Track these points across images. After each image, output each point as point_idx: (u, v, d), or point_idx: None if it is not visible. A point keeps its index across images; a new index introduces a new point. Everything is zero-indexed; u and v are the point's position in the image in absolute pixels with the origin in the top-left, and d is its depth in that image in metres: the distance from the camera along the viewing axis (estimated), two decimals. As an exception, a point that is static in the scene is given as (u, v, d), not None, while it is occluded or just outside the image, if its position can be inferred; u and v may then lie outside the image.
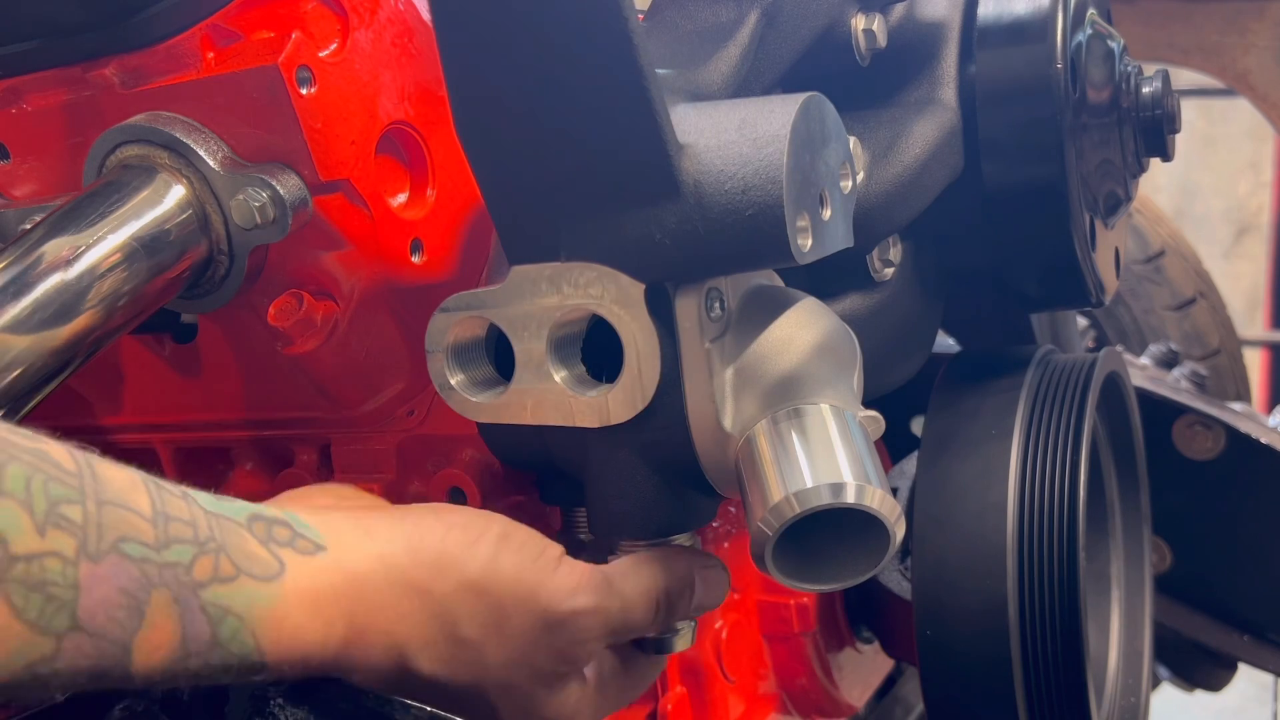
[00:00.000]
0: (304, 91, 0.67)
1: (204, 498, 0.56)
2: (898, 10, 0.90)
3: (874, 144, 0.83)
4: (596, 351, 0.67)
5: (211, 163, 0.68)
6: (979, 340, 1.08)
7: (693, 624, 0.75)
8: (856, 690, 1.15)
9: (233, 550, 0.55)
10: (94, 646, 0.50)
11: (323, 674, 0.60)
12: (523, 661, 0.65)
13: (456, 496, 0.78)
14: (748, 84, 0.75)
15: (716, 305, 0.66)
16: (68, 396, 0.85)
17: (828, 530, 0.62)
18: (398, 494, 0.79)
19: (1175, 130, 0.96)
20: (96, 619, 0.50)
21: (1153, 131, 0.95)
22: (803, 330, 0.67)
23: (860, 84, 0.87)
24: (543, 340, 0.65)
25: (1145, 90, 0.95)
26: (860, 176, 0.80)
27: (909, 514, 0.88)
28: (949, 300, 0.98)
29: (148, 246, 0.67)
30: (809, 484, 0.60)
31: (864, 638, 1.14)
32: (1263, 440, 1.36)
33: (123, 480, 0.53)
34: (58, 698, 0.62)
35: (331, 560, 0.60)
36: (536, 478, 0.81)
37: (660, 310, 0.64)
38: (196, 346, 0.79)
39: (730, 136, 0.62)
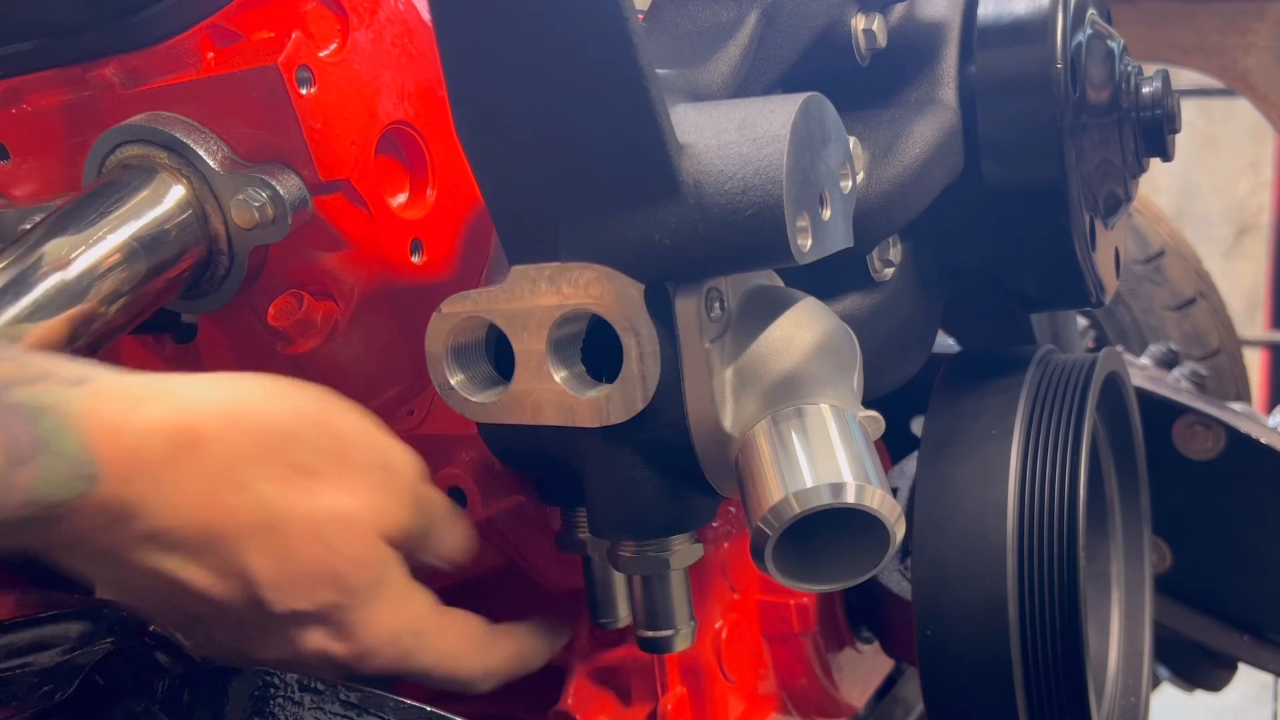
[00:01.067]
0: (304, 91, 0.67)
1: None
2: (898, 10, 0.90)
3: (874, 144, 0.83)
4: (596, 351, 0.67)
5: (211, 163, 0.68)
6: (979, 340, 1.08)
7: (693, 624, 0.75)
8: (856, 690, 1.15)
9: (35, 358, 0.53)
10: None
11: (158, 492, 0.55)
12: (368, 502, 0.63)
13: (456, 496, 0.78)
14: (748, 84, 0.75)
15: (716, 305, 0.66)
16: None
17: (828, 530, 0.62)
18: (398, 494, 0.79)
19: (1175, 130, 0.96)
20: None
21: (1153, 131, 0.95)
22: (803, 330, 0.67)
23: (860, 84, 0.87)
24: (543, 340, 0.65)
25: (1145, 90, 0.95)
26: (860, 176, 0.80)
27: (909, 514, 0.88)
28: (949, 300, 0.98)
29: (148, 246, 0.67)
30: (809, 484, 0.60)
31: (864, 638, 1.14)
32: (1263, 440, 1.36)
33: None
34: (58, 697, 0.62)
35: (143, 375, 0.57)
36: (536, 478, 0.81)
37: (660, 310, 0.64)
38: (196, 346, 0.79)
39: (730, 136, 0.62)
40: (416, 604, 0.68)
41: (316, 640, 0.64)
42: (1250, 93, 2.40)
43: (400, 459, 0.68)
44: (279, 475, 0.60)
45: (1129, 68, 0.96)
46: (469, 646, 0.72)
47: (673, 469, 0.68)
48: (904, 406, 1.14)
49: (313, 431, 0.63)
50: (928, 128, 0.85)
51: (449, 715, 0.62)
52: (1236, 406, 1.45)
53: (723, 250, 0.61)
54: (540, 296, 0.65)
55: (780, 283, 0.73)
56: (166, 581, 0.59)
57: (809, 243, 0.62)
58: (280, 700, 0.62)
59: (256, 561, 0.60)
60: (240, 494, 0.59)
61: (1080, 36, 0.90)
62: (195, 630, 0.63)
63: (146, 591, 0.61)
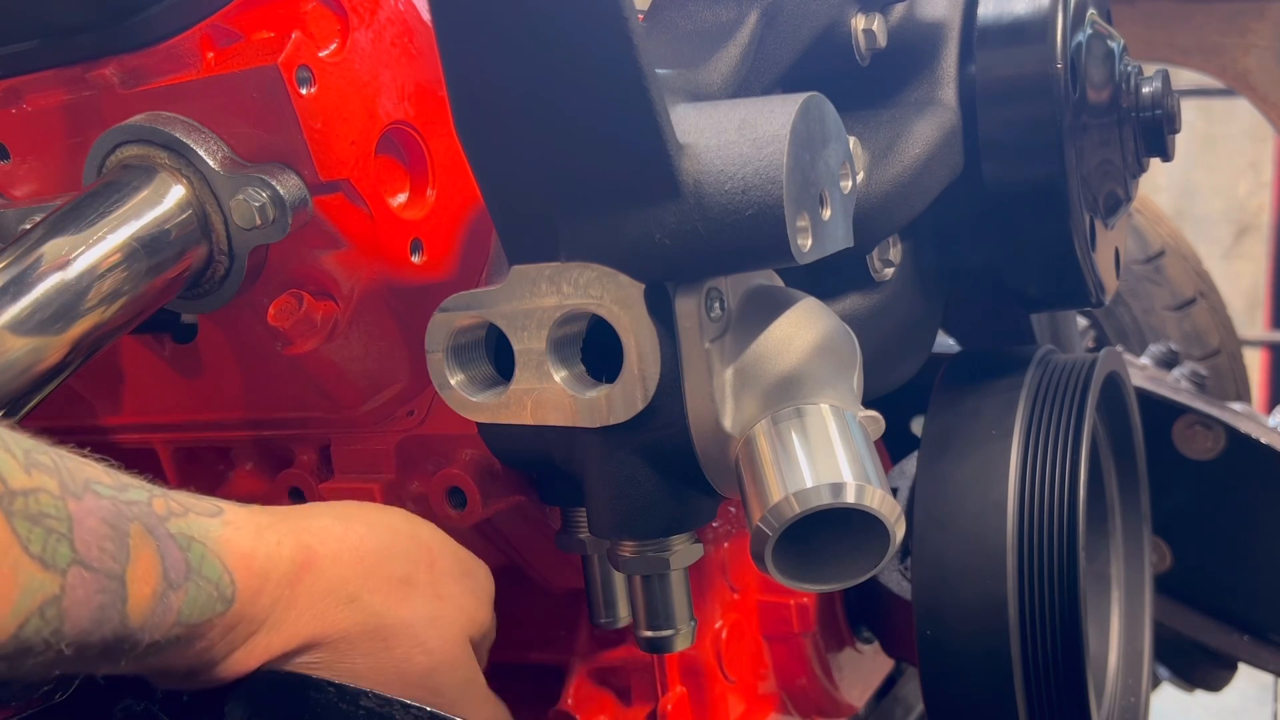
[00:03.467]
0: (304, 91, 0.67)
1: None
2: (898, 10, 0.90)
3: (874, 144, 0.83)
4: (596, 351, 0.67)
5: (211, 163, 0.68)
6: (979, 340, 1.08)
7: (692, 624, 0.75)
8: (856, 690, 1.15)
9: (175, 495, 0.59)
10: (95, 581, 0.51)
11: (291, 649, 0.61)
12: (456, 605, 0.69)
13: (456, 496, 0.78)
14: (748, 84, 0.75)
15: (716, 305, 0.66)
16: (68, 396, 0.85)
17: (828, 530, 0.62)
18: (398, 494, 0.79)
19: (1175, 130, 0.96)
20: (91, 550, 0.52)
21: (1153, 131, 0.95)
22: (803, 330, 0.67)
23: (860, 84, 0.87)
24: (543, 340, 0.65)
25: (1145, 90, 0.95)
26: (860, 176, 0.80)
27: (909, 514, 0.88)
28: (949, 300, 0.98)
29: (148, 246, 0.67)
30: (809, 484, 0.60)
31: (864, 638, 1.14)
32: (1263, 440, 1.36)
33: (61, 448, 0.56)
34: (58, 697, 0.62)
35: (262, 509, 0.64)
36: (536, 478, 0.81)
37: (660, 310, 0.64)
38: (196, 346, 0.79)
39: (730, 136, 0.62)
40: (493, 709, 0.73)
41: None
42: (1250, 93, 2.40)
43: (478, 566, 0.74)
44: (381, 586, 0.66)
45: (1129, 68, 0.96)
46: None
47: (673, 469, 0.68)
48: (904, 406, 1.14)
49: (408, 545, 0.69)
50: (928, 128, 0.85)
51: (449, 716, 0.62)
52: (1236, 406, 1.45)
53: (723, 250, 0.61)
54: (540, 296, 0.65)
55: (780, 283, 0.73)
56: None
57: (809, 243, 0.62)
58: (281, 700, 0.62)
59: (360, 664, 0.64)
60: (348, 606, 0.64)
61: (1080, 36, 0.90)
62: None
63: None
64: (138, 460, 0.79)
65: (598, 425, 0.65)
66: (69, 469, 0.53)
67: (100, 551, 0.52)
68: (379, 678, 0.65)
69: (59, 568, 0.50)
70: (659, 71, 0.64)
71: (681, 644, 0.74)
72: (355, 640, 0.64)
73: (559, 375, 0.66)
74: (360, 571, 0.65)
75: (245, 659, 0.61)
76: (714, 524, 0.96)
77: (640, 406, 0.64)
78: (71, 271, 0.64)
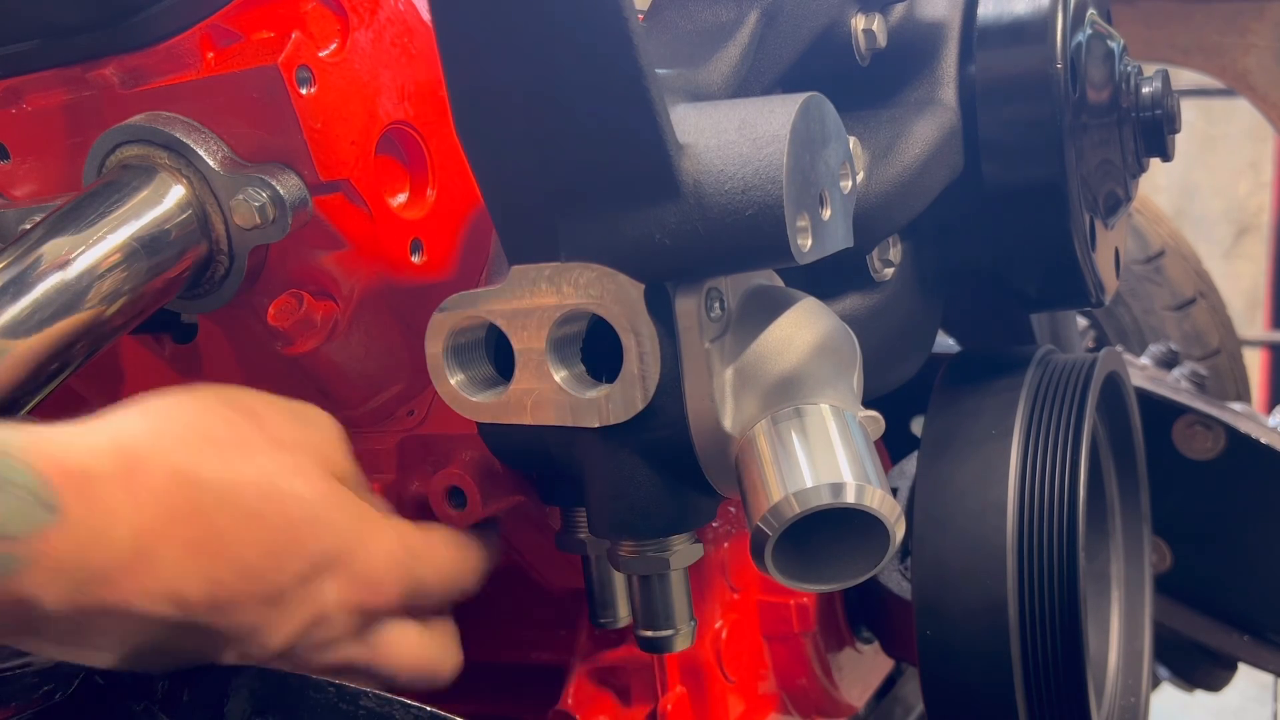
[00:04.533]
0: (304, 91, 0.67)
1: None
2: (898, 10, 0.90)
3: (874, 144, 0.83)
4: (596, 351, 0.67)
5: (211, 163, 0.68)
6: (979, 340, 1.08)
7: (692, 624, 0.75)
8: (856, 690, 1.15)
9: None
10: None
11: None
12: (305, 450, 0.65)
13: (456, 496, 0.78)
14: (748, 84, 0.75)
15: (716, 305, 0.66)
16: (68, 396, 0.85)
17: (828, 530, 0.62)
18: (397, 494, 0.79)
19: (1175, 130, 0.96)
20: None
21: (1153, 131, 0.95)
22: (803, 330, 0.67)
23: (860, 84, 0.87)
24: (542, 340, 0.65)
25: (1145, 90, 0.95)
26: (860, 176, 0.80)
27: (909, 514, 0.88)
28: (949, 300, 0.98)
29: (147, 246, 0.67)
30: (809, 484, 0.60)
31: (864, 638, 1.14)
32: (1263, 440, 1.36)
33: None
34: (58, 697, 0.62)
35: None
36: (536, 478, 0.81)
37: (660, 310, 0.64)
38: (196, 346, 0.79)
39: (730, 136, 0.62)
40: (400, 524, 0.71)
41: (331, 595, 0.64)
42: (1250, 93, 2.40)
43: (318, 414, 0.70)
44: (217, 455, 0.61)
45: (1129, 68, 0.96)
46: (454, 548, 0.75)
47: (673, 469, 0.68)
48: (904, 406, 1.14)
49: (225, 411, 0.65)
50: (928, 128, 0.85)
51: (450, 716, 0.62)
52: (1236, 406, 1.46)
53: (723, 250, 0.61)
54: (540, 296, 0.65)
55: (780, 283, 0.73)
56: (165, 622, 0.59)
57: (809, 243, 0.62)
58: (281, 700, 0.62)
59: (250, 553, 0.60)
60: (196, 490, 0.59)
61: (1080, 36, 0.90)
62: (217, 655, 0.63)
63: (152, 647, 0.60)
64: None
65: (598, 425, 0.65)
66: None
67: None
68: (277, 558, 0.61)
69: None
70: (659, 71, 0.64)
71: (681, 644, 0.74)
72: (222, 529, 0.59)
73: (559, 375, 0.66)
74: (186, 450, 0.60)
75: (121, 588, 0.56)
76: (714, 524, 0.96)
77: (640, 406, 0.64)
78: (71, 271, 0.64)
